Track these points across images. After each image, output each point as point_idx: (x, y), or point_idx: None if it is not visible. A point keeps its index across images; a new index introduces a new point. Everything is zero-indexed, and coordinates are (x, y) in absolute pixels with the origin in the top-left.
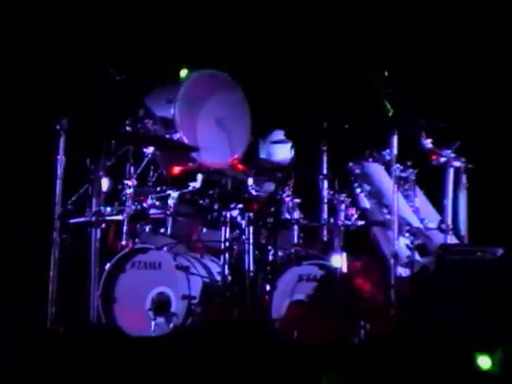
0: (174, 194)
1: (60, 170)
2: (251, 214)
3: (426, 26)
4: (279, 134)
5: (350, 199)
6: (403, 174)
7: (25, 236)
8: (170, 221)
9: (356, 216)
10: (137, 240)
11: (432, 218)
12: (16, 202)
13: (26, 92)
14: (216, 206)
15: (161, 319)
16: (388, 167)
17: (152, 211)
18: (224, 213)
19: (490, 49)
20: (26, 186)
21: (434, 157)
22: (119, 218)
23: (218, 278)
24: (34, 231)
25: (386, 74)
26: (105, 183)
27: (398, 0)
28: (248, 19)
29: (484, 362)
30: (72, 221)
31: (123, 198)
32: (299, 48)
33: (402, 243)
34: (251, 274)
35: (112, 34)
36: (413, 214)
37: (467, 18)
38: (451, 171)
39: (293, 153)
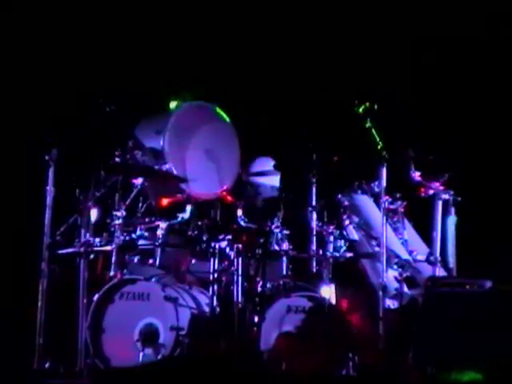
0: (163, 225)
1: (49, 201)
2: (240, 246)
3: (415, 59)
4: (263, 162)
5: (339, 231)
6: (392, 206)
7: (13, 266)
8: (158, 252)
9: (345, 248)
10: (125, 271)
11: (420, 251)
12: (4, 232)
13: (15, 122)
14: (205, 237)
15: (149, 350)
16: (377, 199)
17: (141, 242)
18: (213, 244)
19: (477, 81)
20: (15, 216)
21: (422, 189)
22: (108, 248)
23: (207, 309)
24: (23, 261)
25: (376, 107)
26: (94, 214)
27: (385, 34)
28: (236, 49)
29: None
30: (61, 251)
31: (112, 229)
32: (289, 80)
33: (391, 275)
34: (240, 305)
35: (102, 64)
36: (401, 246)
37: (453, 51)
38: (440, 204)
39: (282, 184)
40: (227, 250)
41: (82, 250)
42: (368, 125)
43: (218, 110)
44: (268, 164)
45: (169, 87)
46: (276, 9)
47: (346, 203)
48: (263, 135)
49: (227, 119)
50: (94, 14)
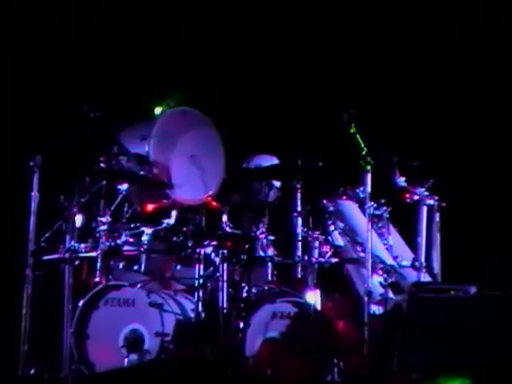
0: (148, 231)
1: (34, 207)
2: (225, 251)
3: (398, 64)
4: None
5: (324, 236)
6: (377, 212)
7: None
8: (143, 257)
9: (330, 253)
10: (110, 277)
11: (405, 256)
12: None
13: None
14: (190, 243)
15: (134, 356)
16: (362, 205)
17: (126, 248)
18: (198, 250)
19: (461, 85)
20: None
21: (407, 195)
22: (93, 254)
23: (192, 315)
24: (7, 268)
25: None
26: (78, 220)
27: (368, 40)
28: (220, 56)
29: None
30: (45, 257)
31: (97, 235)
32: (273, 86)
33: (376, 281)
34: (225, 311)
35: (87, 70)
36: (386, 251)
37: (436, 55)
38: (424, 209)
39: (267, 190)
40: (212, 255)
41: (66, 256)
42: (352, 131)
43: (203, 115)
44: (271, 161)
45: (154, 93)
46: (263, 13)
47: (331, 209)
48: (248, 143)
49: (212, 125)
50: (78, 19)
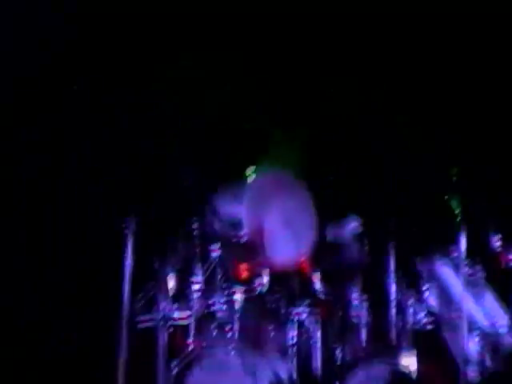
0: (241, 295)
1: (128, 271)
2: (319, 316)
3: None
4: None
5: (419, 299)
6: (472, 275)
7: (91, 337)
8: (236, 321)
9: (425, 318)
10: (204, 341)
11: (503, 321)
12: (84, 303)
13: (92, 194)
14: (283, 308)
15: None
16: (456, 267)
17: (219, 312)
18: (291, 314)
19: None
20: (94, 286)
21: (503, 259)
22: (186, 319)
23: (286, 379)
24: (102, 333)
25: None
26: (172, 283)
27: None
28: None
29: None
30: (140, 322)
31: (190, 299)
32: (362, 147)
33: (473, 346)
34: (319, 375)
35: (178, 134)
36: (483, 315)
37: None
38: None
39: (359, 254)
40: (306, 319)
41: (160, 321)
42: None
43: (295, 178)
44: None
45: (246, 156)
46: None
47: (426, 271)
48: (342, 204)
49: (304, 188)
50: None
